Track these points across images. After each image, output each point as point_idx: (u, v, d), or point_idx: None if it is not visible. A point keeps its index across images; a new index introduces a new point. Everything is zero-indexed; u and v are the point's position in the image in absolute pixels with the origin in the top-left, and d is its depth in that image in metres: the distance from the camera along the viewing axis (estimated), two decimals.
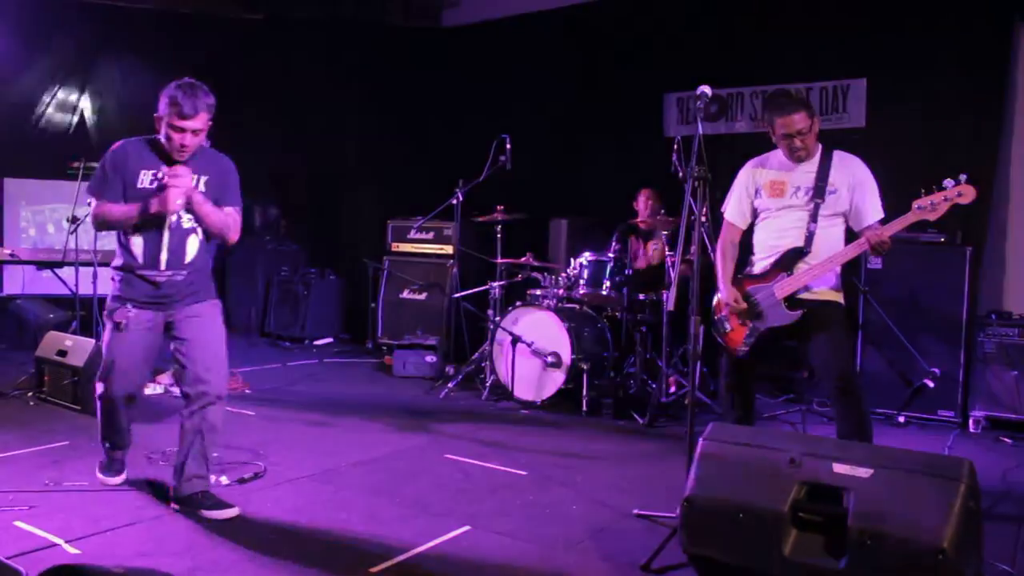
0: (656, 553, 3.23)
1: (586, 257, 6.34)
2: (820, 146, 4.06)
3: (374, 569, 3.13)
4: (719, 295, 4.13)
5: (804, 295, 3.93)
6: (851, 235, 4.03)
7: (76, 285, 6.45)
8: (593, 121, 8.10)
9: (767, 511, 2.77)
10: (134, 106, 7.84)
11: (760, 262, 4.11)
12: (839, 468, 2.77)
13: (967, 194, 3.64)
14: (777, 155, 4.13)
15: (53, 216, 8.37)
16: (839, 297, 4.02)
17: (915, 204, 3.73)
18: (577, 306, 6.40)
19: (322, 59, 9.04)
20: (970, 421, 5.66)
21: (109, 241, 7.12)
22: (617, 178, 7.40)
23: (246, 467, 4.23)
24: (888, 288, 5.92)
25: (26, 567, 2.71)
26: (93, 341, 5.52)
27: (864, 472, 2.72)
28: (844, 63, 6.87)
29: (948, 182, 3.67)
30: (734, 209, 4.23)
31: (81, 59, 8.57)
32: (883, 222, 3.90)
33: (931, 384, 5.67)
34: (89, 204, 3.66)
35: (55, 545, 3.22)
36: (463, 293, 7.11)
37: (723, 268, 4.16)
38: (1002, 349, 5.61)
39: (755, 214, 4.18)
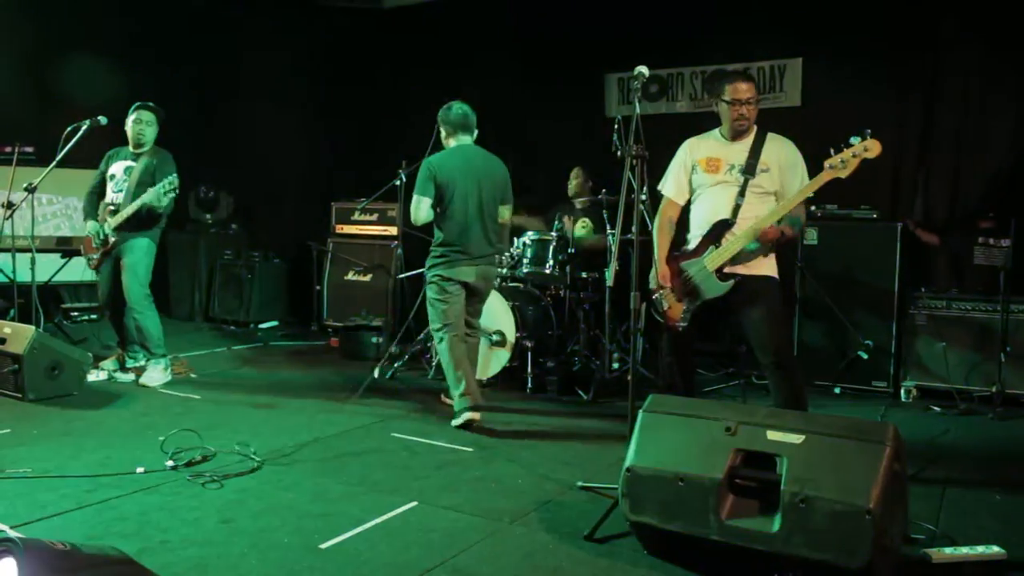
0: (599, 523, 3.32)
1: (529, 236, 6.40)
2: (756, 127, 4.18)
3: (323, 545, 3.16)
4: (655, 273, 4.22)
5: (740, 270, 4.03)
6: None
7: (13, 272, 6.27)
8: (536, 101, 8.15)
9: (705, 478, 2.88)
10: (70, 86, 7.62)
11: (694, 239, 4.21)
12: (772, 435, 2.89)
13: (873, 148, 3.76)
14: (714, 133, 4.25)
15: None
16: (773, 271, 4.13)
17: (826, 164, 3.84)
18: (521, 284, 6.45)
19: (265, 39, 8.93)
20: (902, 391, 5.86)
21: (45, 228, 6.93)
22: (560, 157, 7.46)
23: (193, 450, 4.22)
24: (823, 263, 6.10)
25: None
26: (33, 328, 5.42)
27: (796, 438, 2.84)
28: (780, 43, 7.02)
29: (855, 139, 3.79)
30: (672, 185, 4.33)
31: (14, 39, 8.25)
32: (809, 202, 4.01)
33: (865, 356, 5.88)
34: None
35: None
36: (408, 274, 7.13)
37: (660, 246, 4.25)
38: (932, 321, 5.82)
39: (692, 190, 4.28)
